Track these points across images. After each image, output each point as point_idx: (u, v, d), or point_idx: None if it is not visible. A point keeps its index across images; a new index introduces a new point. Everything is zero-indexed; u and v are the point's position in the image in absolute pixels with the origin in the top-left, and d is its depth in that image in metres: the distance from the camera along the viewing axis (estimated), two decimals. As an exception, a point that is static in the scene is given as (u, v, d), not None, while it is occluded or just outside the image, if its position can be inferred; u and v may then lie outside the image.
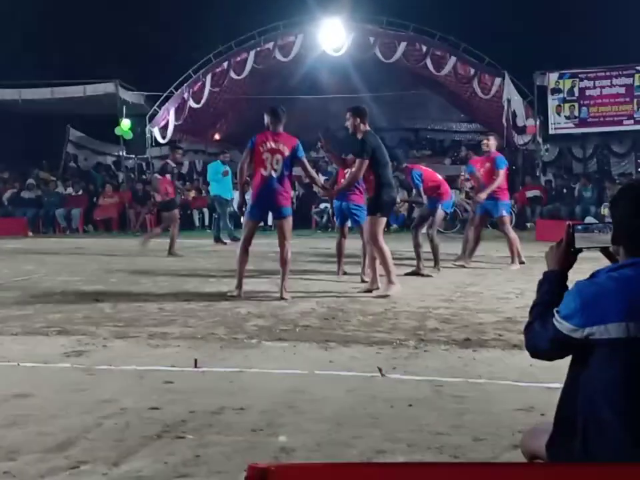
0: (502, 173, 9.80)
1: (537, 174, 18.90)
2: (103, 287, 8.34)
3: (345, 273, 9.05)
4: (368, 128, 7.44)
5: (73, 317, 6.45)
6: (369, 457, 3.10)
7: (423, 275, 9.01)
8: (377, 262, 7.60)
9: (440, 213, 9.33)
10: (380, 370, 4.46)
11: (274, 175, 7.25)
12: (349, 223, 9.05)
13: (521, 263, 9.89)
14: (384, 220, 7.62)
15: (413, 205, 15.38)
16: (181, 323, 6.11)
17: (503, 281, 8.68)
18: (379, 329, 5.79)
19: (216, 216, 15.16)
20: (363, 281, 8.42)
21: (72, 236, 17.81)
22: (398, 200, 9.79)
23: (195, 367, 4.61)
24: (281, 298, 7.27)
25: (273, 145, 7.28)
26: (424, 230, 9.54)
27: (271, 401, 3.90)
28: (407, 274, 8.93)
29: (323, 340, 5.36)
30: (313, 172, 8.06)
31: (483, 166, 10.11)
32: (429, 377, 4.34)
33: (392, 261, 7.53)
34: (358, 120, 7.41)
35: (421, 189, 9.27)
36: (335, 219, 9.57)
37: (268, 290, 7.96)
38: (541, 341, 2.16)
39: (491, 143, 10.15)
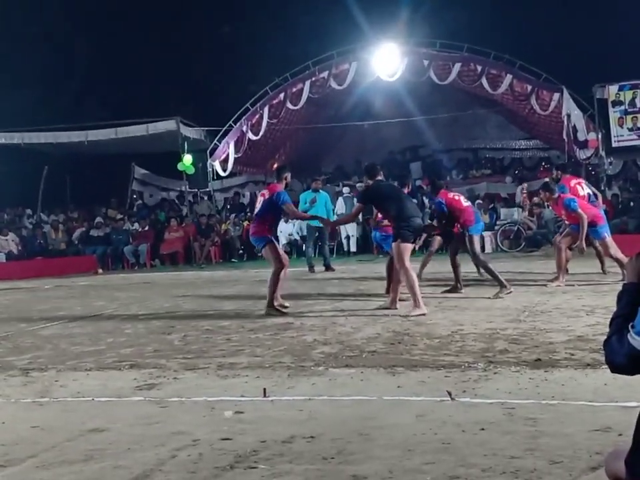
0: (579, 211, 9.57)
1: (602, 188, 18.46)
2: (171, 320, 8.49)
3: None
4: (378, 178, 8.45)
5: (143, 350, 6.58)
6: (442, 482, 3.07)
7: (459, 292, 9.52)
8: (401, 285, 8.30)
9: (473, 239, 9.27)
10: (449, 394, 4.41)
11: None
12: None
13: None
14: (408, 246, 8.09)
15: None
16: (248, 353, 6.17)
17: (572, 298, 8.50)
18: (447, 352, 5.73)
19: (319, 243, 15.30)
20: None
21: (140, 271, 18.22)
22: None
23: (264, 396, 4.64)
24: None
25: None
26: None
27: (340, 428, 3.89)
28: (443, 291, 9.58)
29: (390, 365, 5.33)
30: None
31: (561, 213, 10.18)
32: (500, 400, 4.27)
33: (417, 285, 7.95)
34: (365, 176, 8.74)
35: (446, 213, 9.47)
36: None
37: (333, 317, 8.00)
38: (618, 356, 2.12)
39: (543, 196, 10.30)
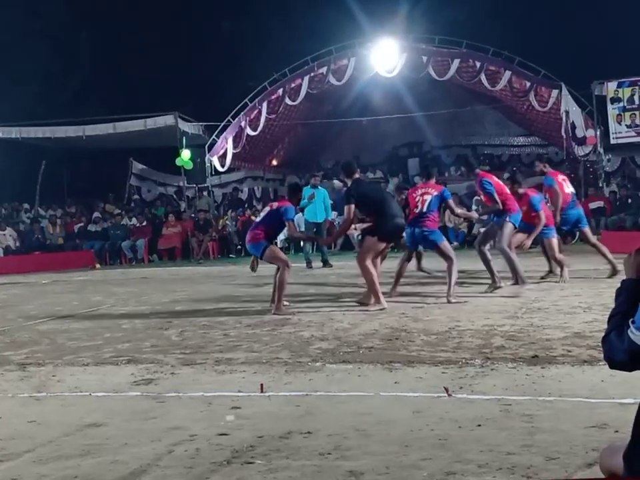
0: (541, 213, 9.41)
1: (600, 185, 18.50)
2: (168, 315, 8.49)
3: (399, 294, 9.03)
4: (356, 177, 8.39)
5: (141, 345, 6.58)
6: (438, 479, 3.07)
7: (498, 286, 9.02)
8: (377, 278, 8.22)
9: (509, 226, 9.04)
10: (446, 390, 4.42)
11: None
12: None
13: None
14: (380, 244, 8.17)
15: (473, 221, 15.28)
16: (245, 349, 6.17)
17: (569, 295, 8.50)
18: (444, 348, 5.73)
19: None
20: (449, 302, 8.27)
21: (137, 266, 18.19)
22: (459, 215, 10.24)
23: (261, 391, 4.64)
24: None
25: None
26: (487, 247, 9.46)
27: (337, 424, 3.90)
28: (485, 291, 9.08)
29: (387, 361, 5.34)
30: None
31: (522, 208, 9.68)
32: (496, 396, 4.28)
33: (378, 282, 8.14)
34: (343, 174, 8.61)
35: (495, 195, 9.02)
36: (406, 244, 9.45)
37: (330, 313, 8.00)
38: (618, 352, 2.11)
39: (510, 187, 9.74)
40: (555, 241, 9.82)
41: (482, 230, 16.44)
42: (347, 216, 8.46)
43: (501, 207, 9.03)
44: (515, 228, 9.25)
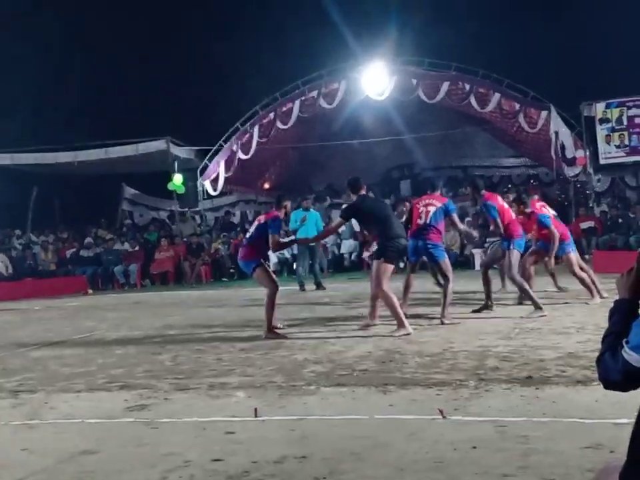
0: (552, 228, 9.43)
1: (590, 205, 18.62)
2: (161, 340, 8.46)
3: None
4: (362, 193, 8.27)
5: (134, 371, 6.55)
6: (434, 501, 3.06)
7: (490, 310, 9.10)
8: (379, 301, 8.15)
9: (514, 253, 8.80)
10: (441, 412, 4.41)
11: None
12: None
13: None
14: (389, 267, 7.95)
15: (465, 242, 15.35)
16: (239, 373, 6.15)
17: (561, 315, 8.52)
18: (438, 370, 5.73)
19: (310, 262, 15.28)
20: (442, 323, 8.30)
21: (130, 291, 18.15)
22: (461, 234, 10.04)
23: (255, 416, 4.62)
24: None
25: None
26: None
27: (332, 448, 3.88)
28: (474, 311, 9.14)
29: (381, 384, 5.32)
30: None
31: (531, 229, 9.79)
32: (491, 418, 4.27)
33: (398, 304, 7.89)
34: (349, 190, 8.52)
35: (498, 220, 8.81)
36: (408, 257, 9.39)
37: (324, 336, 7.98)
38: (612, 372, 2.12)
39: (516, 209, 9.64)
40: (572, 256, 9.69)
41: (474, 251, 16.63)
42: (333, 225, 8.78)
43: (503, 232, 8.86)
44: (521, 254, 9.10)
